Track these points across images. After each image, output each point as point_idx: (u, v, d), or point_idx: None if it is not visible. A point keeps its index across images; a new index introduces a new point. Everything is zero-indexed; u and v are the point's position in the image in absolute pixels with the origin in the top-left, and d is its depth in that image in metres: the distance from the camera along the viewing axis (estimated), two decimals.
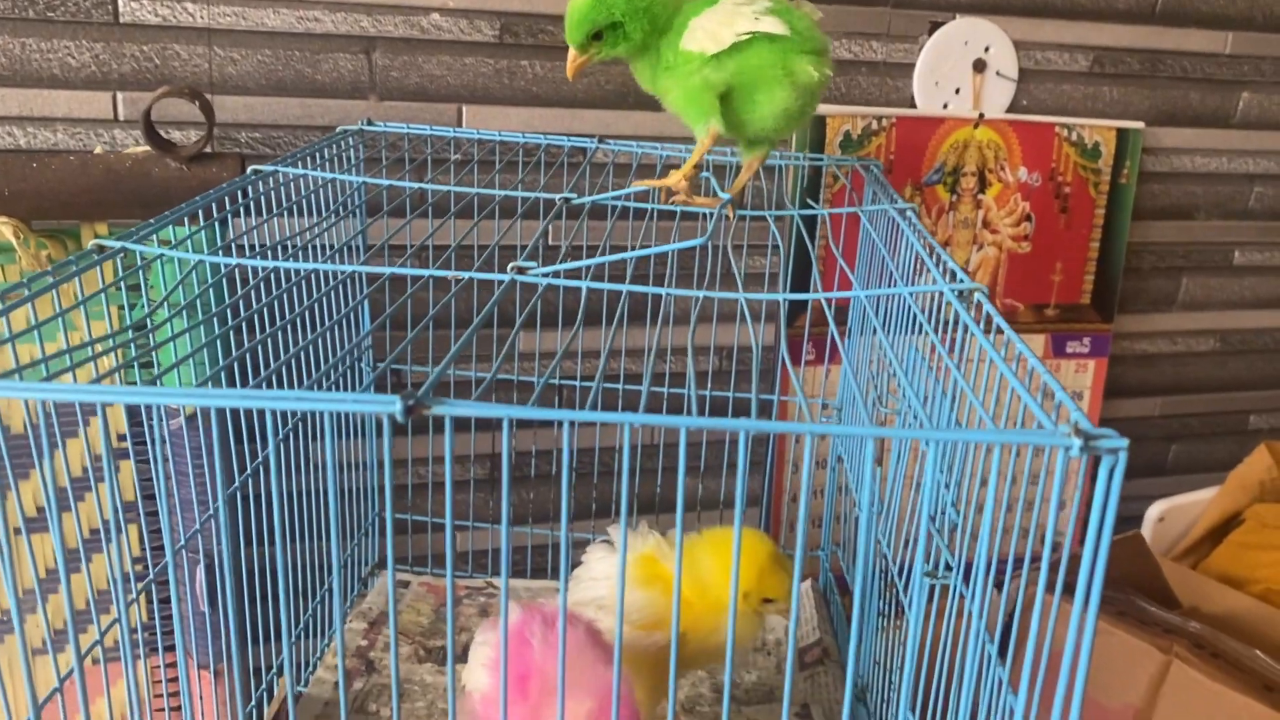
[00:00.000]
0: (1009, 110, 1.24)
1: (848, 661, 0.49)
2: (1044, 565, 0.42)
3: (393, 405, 0.40)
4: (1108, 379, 1.36)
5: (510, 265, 0.60)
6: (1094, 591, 0.39)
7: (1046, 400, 0.45)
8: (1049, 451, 0.40)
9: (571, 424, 0.41)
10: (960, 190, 1.25)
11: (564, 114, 1.09)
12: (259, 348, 0.78)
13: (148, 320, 0.60)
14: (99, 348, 0.52)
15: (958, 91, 1.22)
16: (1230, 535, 1.15)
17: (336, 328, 0.94)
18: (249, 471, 0.77)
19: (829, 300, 0.93)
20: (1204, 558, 1.16)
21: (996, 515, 0.42)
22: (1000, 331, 0.53)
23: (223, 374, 0.55)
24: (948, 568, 0.60)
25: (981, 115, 1.23)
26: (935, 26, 1.18)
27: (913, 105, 1.21)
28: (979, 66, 1.22)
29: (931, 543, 0.60)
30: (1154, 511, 1.25)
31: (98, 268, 0.58)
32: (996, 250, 1.28)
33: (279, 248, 0.73)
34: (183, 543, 0.73)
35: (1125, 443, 0.38)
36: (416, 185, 0.77)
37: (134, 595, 0.66)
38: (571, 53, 0.75)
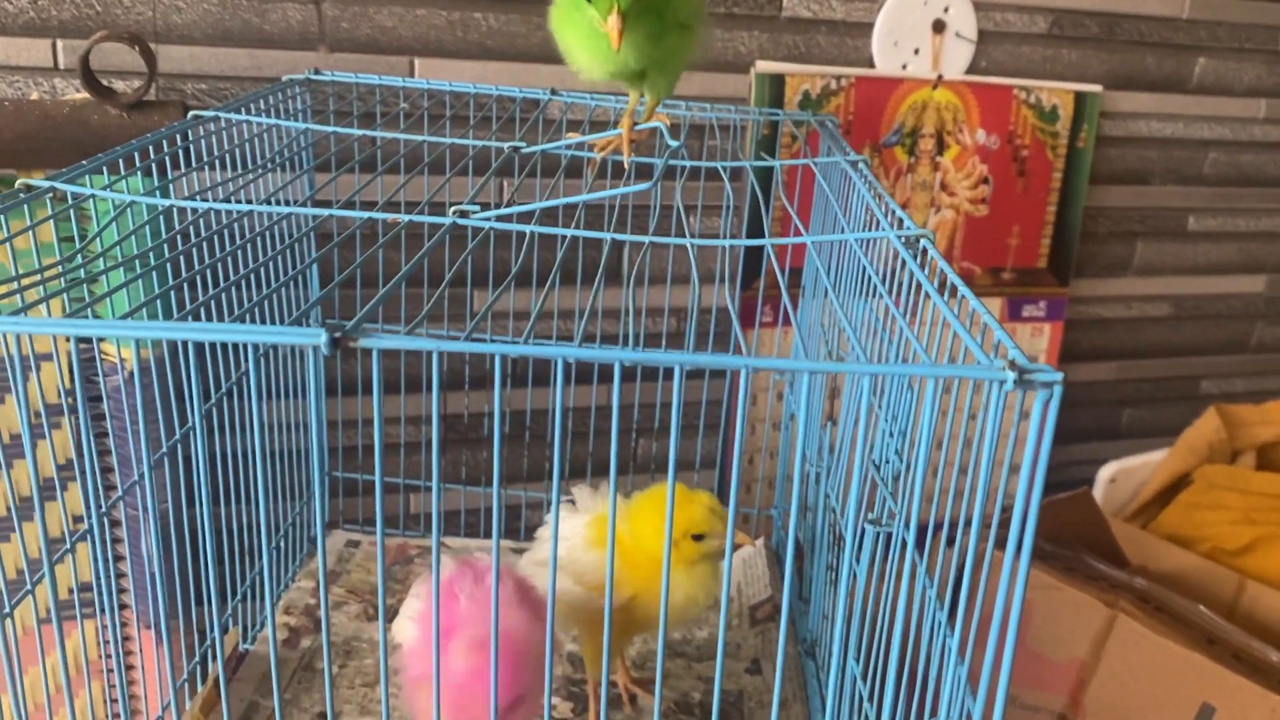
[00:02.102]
0: (968, 72, 1.24)
1: (784, 592, 0.49)
2: (977, 509, 0.42)
3: (318, 337, 0.38)
4: (1063, 343, 1.36)
5: (452, 208, 0.59)
6: (1029, 527, 0.38)
7: (994, 349, 0.45)
8: (988, 388, 0.40)
9: (503, 358, 0.40)
10: (918, 152, 1.25)
11: (518, 68, 1.07)
12: (200, 296, 0.76)
13: (81, 270, 0.59)
14: (28, 282, 0.51)
15: (917, 52, 1.21)
16: (1179, 496, 1.17)
17: (284, 287, 0.92)
18: (190, 424, 0.75)
19: (776, 250, 0.93)
20: (1154, 518, 1.17)
21: (943, 470, 0.42)
22: (948, 283, 0.53)
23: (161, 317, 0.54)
24: (892, 515, 0.60)
25: (940, 77, 1.22)
26: None
27: (871, 65, 1.20)
28: (938, 27, 1.21)
29: (876, 491, 0.60)
30: (1105, 473, 1.26)
31: (35, 215, 0.56)
32: (954, 213, 1.28)
33: (219, 195, 0.71)
34: (119, 495, 0.71)
35: (1060, 376, 0.37)
36: (361, 132, 0.76)
37: (68, 545, 0.65)
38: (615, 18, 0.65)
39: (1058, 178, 1.30)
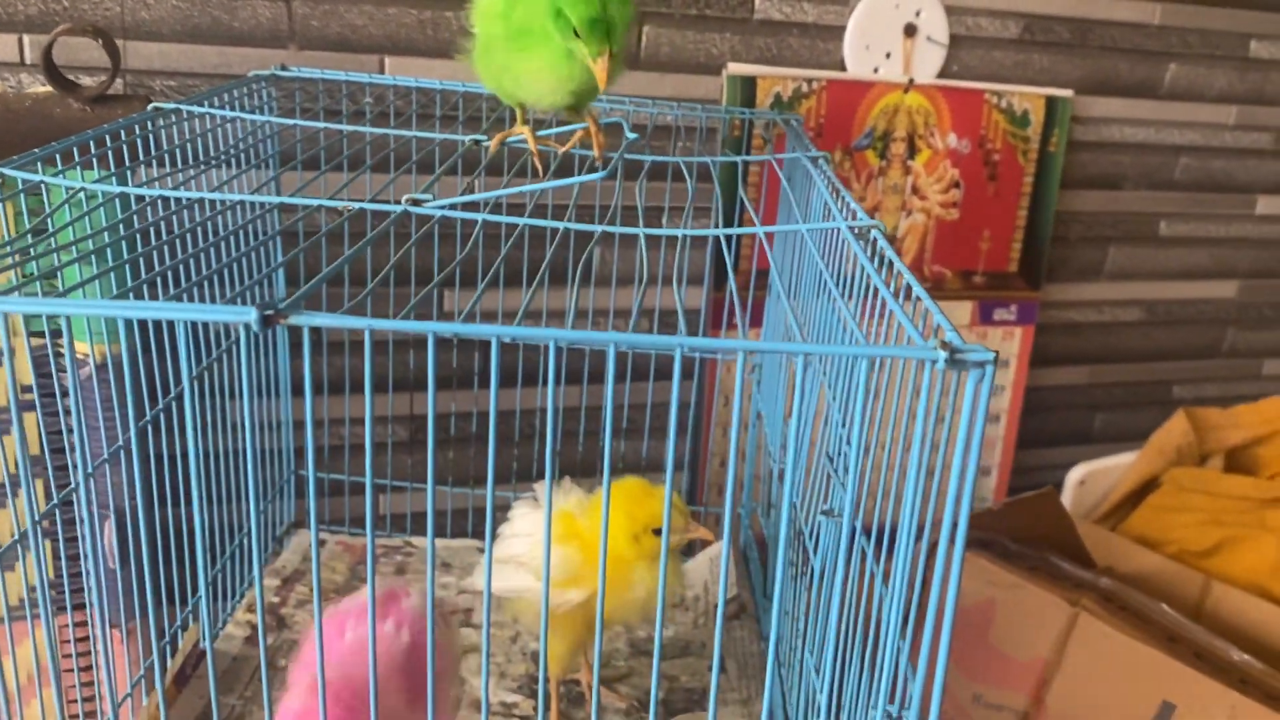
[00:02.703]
0: (939, 76, 1.24)
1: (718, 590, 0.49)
2: (909, 486, 0.42)
3: (248, 315, 0.38)
4: (1035, 347, 1.37)
5: (405, 196, 0.59)
6: (963, 508, 0.38)
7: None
8: (920, 368, 0.40)
9: (436, 337, 0.40)
10: (890, 156, 1.25)
11: None
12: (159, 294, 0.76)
13: (34, 257, 0.58)
14: None
15: (888, 56, 1.22)
16: (1148, 498, 1.17)
17: (247, 278, 0.92)
18: (157, 410, 0.75)
19: (729, 239, 0.93)
20: (1123, 520, 1.18)
21: (871, 433, 0.42)
22: (904, 282, 0.52)
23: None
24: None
25: (912, 80, 1.23)
26: None
27: (843, 69, 1.20)
28: (910, 31, 1.22)
29: (830, 483, 0.60)
30: (1075, 475, 1.26)
31: None
32: (925, 217, 1.28)
33: (179, 188, 0.71)
34: (69, 490, 0.71)
35: (992, 355, 0.37)
36: (323, 125, 0.76)
37: (17, 538, 0.64)
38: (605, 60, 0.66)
39: (1029, 182, 1.30)
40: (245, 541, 0.96)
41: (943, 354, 0.37)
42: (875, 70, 1.22)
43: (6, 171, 0.56)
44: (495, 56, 0.70)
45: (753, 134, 1.15)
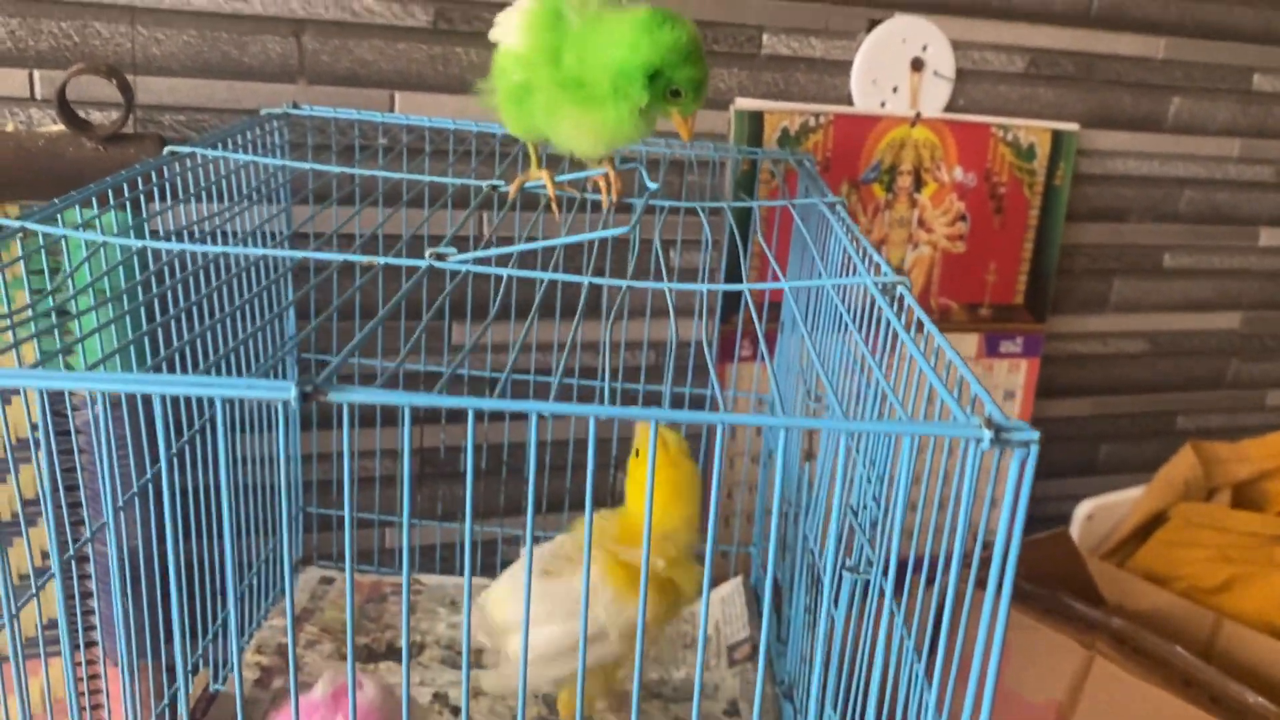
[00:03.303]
0: (946, 110, 1.25)
1: (763, 631, 0.49)
2: (955, 559, 0.41)
3: (288, 391, 0.38)
4: (1040, 379, 1.37)
5: (429, 251, 0.59)
6: (1005, 583, 0.38)
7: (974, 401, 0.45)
8: (965, 444, 0.39)
9: (479, 413, 0.39)
10: (896, 189, 1.25)
11: None
12: (175, 338, 0.75)
13: (51, 309, 0.58)
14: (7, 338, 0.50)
15: (895, 90, 1.22)
16: (1156, 533, 1.17)
17: (261, 322, 0.92)
18: (160, 465, 0.74)
19: (753, 294, 0.92)
20: (1130, 555, 1.18)
21: (922, 513, 0.41)
22: (925, 330, 0.53)
23: (134, 363, 0.53)
24: (869, 563, 0.60)
25: (918, 114, 1.23)
26: (874, 24, 1.18)
27: (850, 103, 1.21)
28: (916, 65, 1.22)
29: (854, 536, 0.60)
30: (1082, 510, 1.26)
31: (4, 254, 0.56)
32: (931, 249, 1.28)
33: (195, 232, 0.71)
34: (88, 537, 0.70)
35: (1036, 435, 0.37)
36: (340, 169, 0.75)
37: (34, 590, 0.64)
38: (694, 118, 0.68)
39: (1035, 215, 1.31)
40: (255, 580, 0.95)
41: (988, 433, 0.37)
42: (882, 104, 1.22)
43: (32, 226, 0.56)
44: (533, 103, 0.69)
45: (759, 169, 1.15)
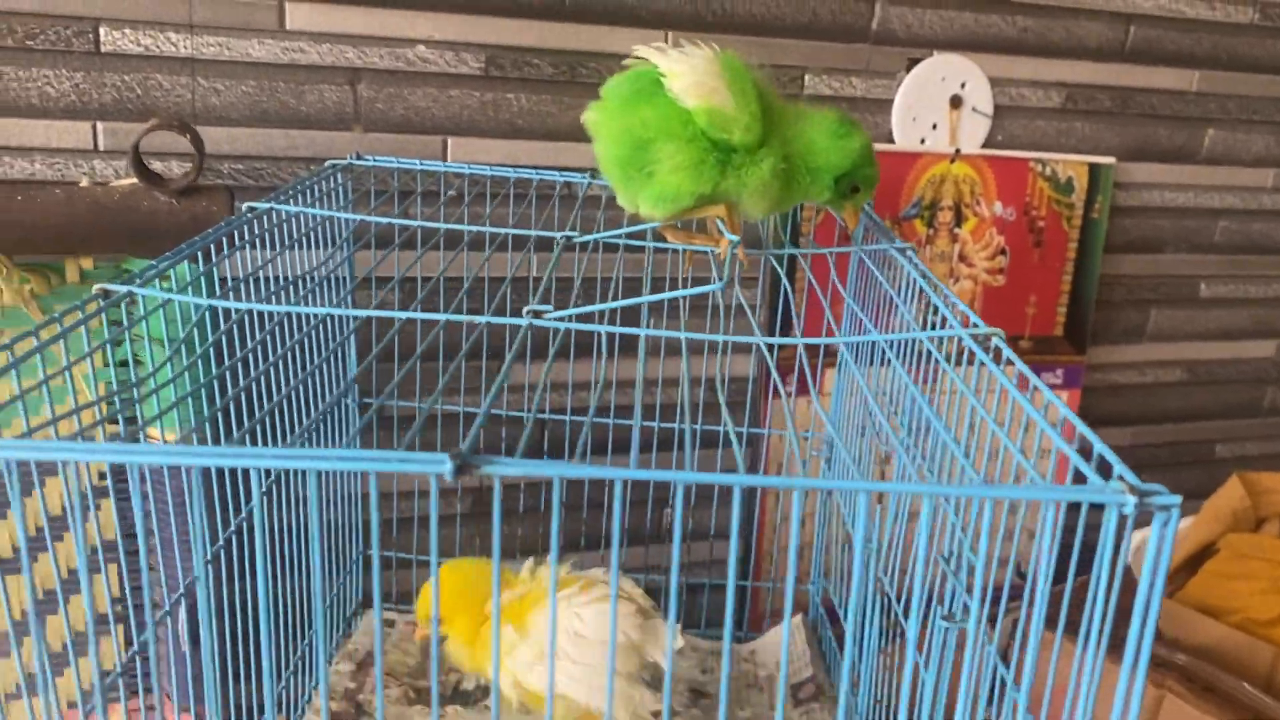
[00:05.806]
0: (984, 145, 1.26)
1: (840, 692, 0.49)
2: (1093, 630, 0.42)
3: (442, 465, 0.39)
4: (1080, 409, 1.38)
5: (525, 309, 0.59)
6: (1143, 651, 0.39)
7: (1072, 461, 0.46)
8: (1107, 512, 0.40)
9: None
10: (937, 224, 1.26)
11: (549, 146, 1.09)
12: (255, 404, 0.76)
13: (131, 366, 0.59)
14: (85, 397, 0.51)
15: (935, 127, 1.23)
16: (1206, 565, 1.17)
17: (321, 363, 0.93)
18: (232, 528, 0.75)
19: (807, 326, 0.93)
20: (1180, 587, 1.18)
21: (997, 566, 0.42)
22: (1024, 380, 0.53)
23: (206, 424, 0.54)
24: (964, 610, 0.60)
25: (958, 150, 1.24)
26: (913, 63, 1.20)
27: (891, 140, 1.22)
28: (955, 103, 1.23)
29: (947, 584, 0.60)
30: (1132, 542, 1.26)
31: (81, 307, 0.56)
32: (972, 283, 1.29)
33: (274, 287, 0.72)
34: (165, 612, 0.71)
35: (1178, 500, 0.38)
36: (415, 223, 0.76)
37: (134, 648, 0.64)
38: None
39: (1073, 247, 1.32)
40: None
41: (1132, 499, 0.38)
42: (922, 141, 1.23)
43: (137, 290, 0.57)
44: (737, 164, 0.73)
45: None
